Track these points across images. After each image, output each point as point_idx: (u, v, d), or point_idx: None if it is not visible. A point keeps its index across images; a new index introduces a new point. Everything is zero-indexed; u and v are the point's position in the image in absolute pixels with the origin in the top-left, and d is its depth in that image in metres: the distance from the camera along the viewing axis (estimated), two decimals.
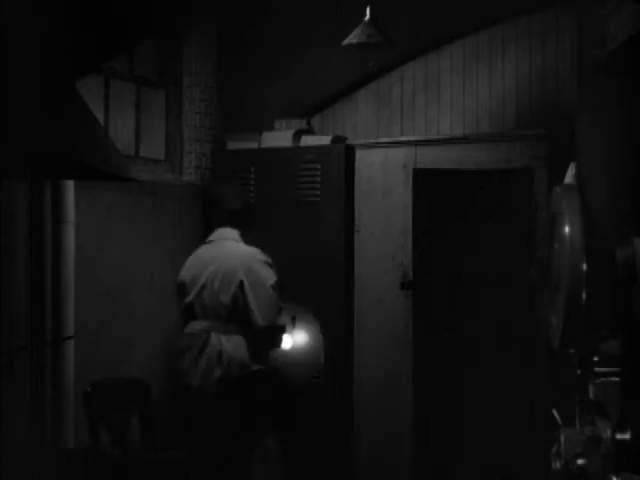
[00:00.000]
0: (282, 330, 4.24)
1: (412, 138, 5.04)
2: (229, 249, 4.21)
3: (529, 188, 4.56)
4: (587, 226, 2.78)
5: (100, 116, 4.44)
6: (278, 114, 5.46)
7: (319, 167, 4.92)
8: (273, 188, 5.05)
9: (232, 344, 4.04)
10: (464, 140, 4.82)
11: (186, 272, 4.22)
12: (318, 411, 4.84)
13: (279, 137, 5.17)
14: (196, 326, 4.11)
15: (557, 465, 2.79)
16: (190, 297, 4.15)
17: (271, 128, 5.40)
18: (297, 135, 5.14)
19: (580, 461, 2.65)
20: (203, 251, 4.27)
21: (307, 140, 5.09)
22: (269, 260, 4.18)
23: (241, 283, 4.05)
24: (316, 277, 4.90)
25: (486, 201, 4.89)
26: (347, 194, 4.92)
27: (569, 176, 3.21)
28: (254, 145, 5.19)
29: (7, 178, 3.64)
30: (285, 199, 5.01)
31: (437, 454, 4.94)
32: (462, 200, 4.96)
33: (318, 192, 4.92)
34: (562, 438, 2.76)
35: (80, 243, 4.09)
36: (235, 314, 4.07)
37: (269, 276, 4.13)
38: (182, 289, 4.22)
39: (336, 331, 4.88)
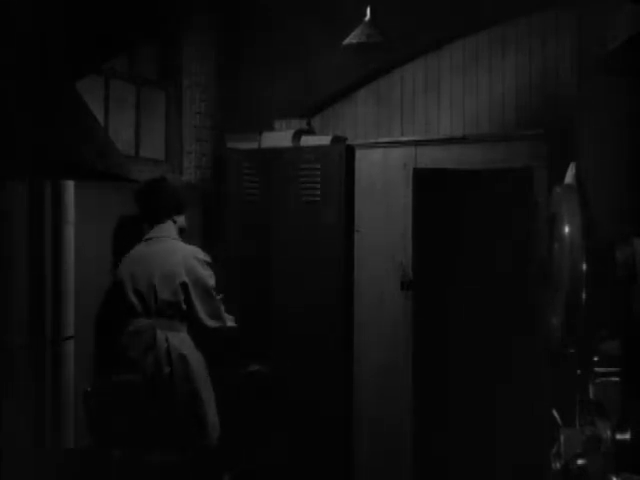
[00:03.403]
0: (235, 331, 4.20)
1: (412, 138, 5.04)
2: (169, 247, 4.15)
3: (529, 188, 4.55)
4: (587, 226, 2.78)
5: (100, 116, 4.44)
6: (278, 114, 5.46)
7: (319, 167, 4.92)
8: (273, 188, 5.05)
9: (178, 340, 4.02)
10: (464, 140, 4.82)
11: (125, 270, 4.13)
12: (318, 411, 4.84)
13: (279, 137, 5.17)
14: (140, 323, 4.05)
15: (557, 465, 2.78)
16: (131, 296, 4.07)
17: (271, 128, 5.40)
18: (297, 135, 5.14)
19: (580, 461, 2.65)
20: (142, 249, 4.18)
21: (307, 140, 5.09)
22: (209, 259, 4.17)
23: (184, 284, 4.04)
24: (316, 277, 4.90)
25: (486, 201, 4.89)
26: (347, 194, 4.92)
27: (569, 176, 3.21)
28: (254, 145, 5.19)
29: (7, 178, 3.64)
30: (285, 199, 5.01)
31: (437, 453, 4.94)
32: (462, 200, 4.96)
33: (318, 192, 4.92)
34: (562, 438, 2.76)
35: (80, 243, 4.09)
36: (178, 311, 4.05)
37: (210, 277, 4.12)
38: (120, 287, 4.12)
39: (336, 331, 4.88)
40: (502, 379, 4.78)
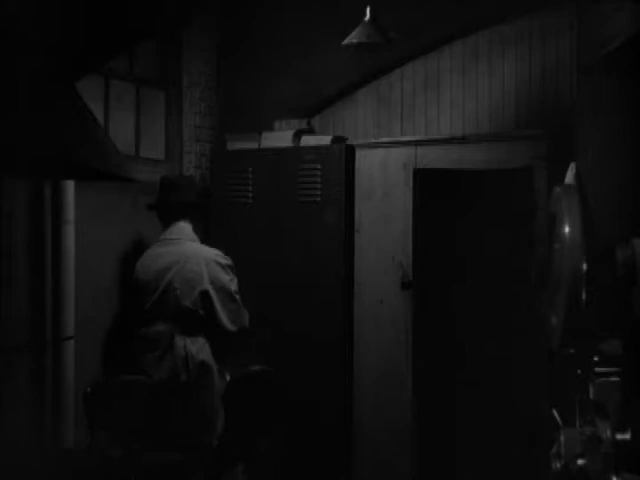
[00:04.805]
0: (250, 333, 4.21)
1: (412, 138, 5.04)
2: (189, 250, 4.12)
3: (529, 188, 4.56)
4: (587, 226, 2.78)
5: (100, 116, 4.44)
6: (278, 114, 5.46)
7: (319, 167, 4.92)
8: (273, 188, 5.05)
9: (196, 347, 4.01)
10: (464, 140, 4.82)
11: (144, 272, 4.12)
12: (318, 411, 4.84)
13: (279, 137, 5.17)
14: (159, 328, 4.05)
15: (557, 465, 2.78)
16: (150, 299, 4.07)
17: (271, 128, 5.40)
18: (297, 135, 5.14)
19: (580, 461, 2.65)
20: (162, 251, 4.15)
21: (307, 140, 5.09)
22: (230, 262, 4.16)
23: (206, 292, 4.03)
24: (316, 277, 4.90)
25: (486, 201, 4.90)
26: (347, 194, 4.92)
27: (569, 176, 3.21)
28: (254, 145, 5.19)
29: (7, 178, 3.64)
30: (285, 199, 5.01)
31: (437, 452, 4.94)
32: (462, 200, 4.97)
33: (318, 192, 4.92)
34: (562, 438, 2.76)
35: (80, 243, 4.09)
36: (198, 317, 4.04)
37: (232, 281, 4.12)
38: (140, 290, 4.11)
39: (336, 331, 4.88)
40: (502, 379, 4.78)
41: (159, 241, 4.21)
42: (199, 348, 4.02)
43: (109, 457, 3.78)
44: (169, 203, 4.25)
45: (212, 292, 4.03)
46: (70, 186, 4.00)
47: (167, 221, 4.25)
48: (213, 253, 4.15)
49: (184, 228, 4.21)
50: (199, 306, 4.03)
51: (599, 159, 3.47)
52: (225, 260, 4.13)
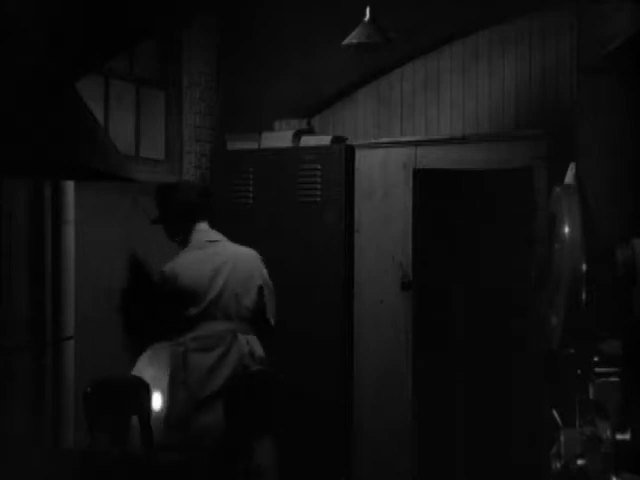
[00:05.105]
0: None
1: (412, 138, 5.04)
2: (234, 251, 4.20)
3: (529, 188, 4.56)
4: (587, 226, 2.78)
5: (100, 116, 4.44)
6: (278, 114, 5.46)
7: (319, 167, 4.92)
8: (273, 188, 5.05)
9: (255, 343, 4.14)
10: (464, 140, 4.82)
11: (190, 277, 4.09)
12: (318, 411, 4.84)
13: (279, 137, 5.17)
14: (218, 327, 4.09)
15: (557, 465, 2.79)
16: (203, 302, 4.08)
17: (271, 128, 5.40)
18: (297, 135, 5.14)
19: (580, 461, 2.65)
20: (204, 254, 4.16)
21: (307, 140, 5.09)
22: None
23: (261, 288, 4.16)
24: (316, 277, 4.90)
25: (486, 201, 4.90)
26: (347, 194, 4.92)
27: (569, 176, 3.22)
28: (254, 145, 5.19)
29: (7, 178, 3.64)
30: (285, 199, 5.01)
31: (437, 452, 4.94)
32: (462, 200, 4.97)
33: (318, 192, 4.92)
34: (562, 438, 2.76)
35: (80, 243, 4.09)
36: (253, 314, 4.16)
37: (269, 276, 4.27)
38: (187, 295, 4.10)
39: (336, 331, 4.88)
40: (502, 379, 4.78)
41: (194, 245, 4.19)
42: (257, 344, 4.14)
43: (109, 457, 3.79)
44: (183, 207, 4.23)
45: (264, 287, 4.19)
46: (70, 186, 4.00)
47: (183, 226, 4.23)
48: (254, 251, 4.26)
49: (210, 229, 4.24)
50: (256, 303, 4.16)
51: (599, 159, 3.47)
52: (260, 256, 4.27)
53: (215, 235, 4.23)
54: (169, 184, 4.42)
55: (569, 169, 3.23)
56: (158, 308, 4.20)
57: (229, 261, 4.14)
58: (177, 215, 4.22)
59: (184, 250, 4.20)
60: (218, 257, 4.15)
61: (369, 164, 4.98)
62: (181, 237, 4.22)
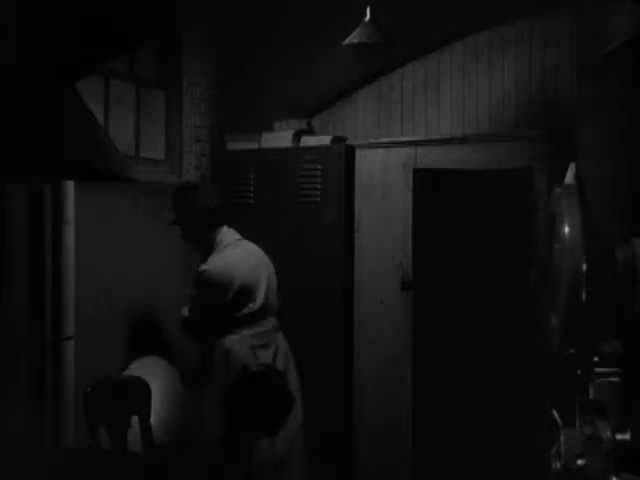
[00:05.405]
0: None
1: (412, 138, 5.04)
2: (257, 249, 4.30)
3: (529, 188, 4.56)
4: (587, 226, 2.78)
5: (100, 116, 4.44)
6: (278, 114, 5.46)
7: (319, 167, 4.92)
8: (273, 188, 5.05)
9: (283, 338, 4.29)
10: (464, 140, 4.82)
11: (244, 277, 4.17)
12: (318, 411, 4.84)
13: (279, 137, 5.17)
14: (265, 326, 4.21)
15: (557, 465, 2.78)
16: (261, 297, 4.20)
17: (271, 128, 5.40)
18: (297, 135, 5.14)
19: (580, 461, 2.65)
20: (242, 253, 4.24)
21: (307, 140, 5.09)
22: None
23: (279, 284, 4.33)
24: (316, 277, 4.90)
25: (486, 201, 4.89)
26: (347, 194, 4.92)
27: (569, 176, 3.21)
28: (254, 145, 5.19)
29: (7, 179, 3.64)
30: (285, 199, 5.01)
31: (437, 453, 4.94)
32: (462, 200, 4.96)
33: (318, 192, 4.92)
34: (562, 438, 2.76)
35: (80, 243, 4.09)
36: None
37: None
38: (252, 289, 4.19)
39: (336, 331, 4.88)
40: (502, 379, 4.78)
41: (229, 244, 4.23)
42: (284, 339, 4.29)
43: (109, 457, 3.79)
44: (210, 214, 4.23)
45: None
46: (70, 186, 4.00)
47: (208, 230, 4.23)
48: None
49: (230, 228, 4.30)
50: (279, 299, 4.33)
51: (599, 159, 3.47)
52: None
53: (236, 233, 4.31)
54: (188, 186, 4.44)
55: (569, 169, 3.23)
56: (212, 309, 4.20)
57: (260, 259, 4.26)
58: (203, 221, 4.21)
59: (218, 250, 4.20)
60: (252, 256, 4.25)
61: (369, 164, 4.98)
62: (202, 240, 4.24)
